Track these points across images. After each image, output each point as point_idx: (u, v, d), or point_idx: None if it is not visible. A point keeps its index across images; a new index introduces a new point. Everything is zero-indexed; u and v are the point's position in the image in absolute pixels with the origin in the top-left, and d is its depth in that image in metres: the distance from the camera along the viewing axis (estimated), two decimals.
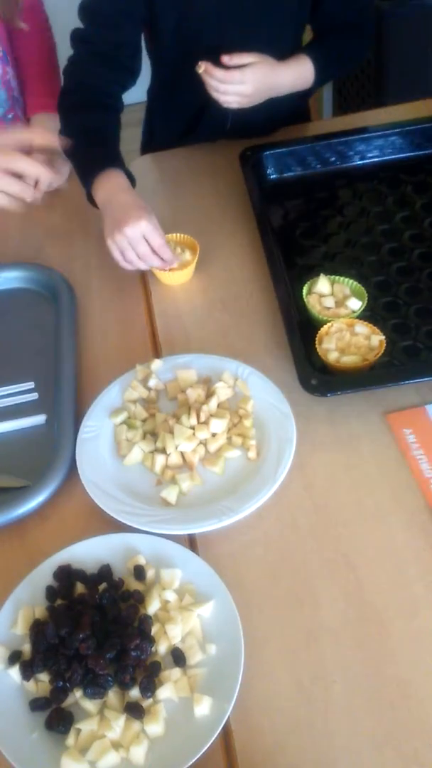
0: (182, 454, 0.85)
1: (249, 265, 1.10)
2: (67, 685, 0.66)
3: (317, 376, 0.86)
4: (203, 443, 0.86)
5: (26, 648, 0.70)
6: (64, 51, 1.17)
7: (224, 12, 1.13)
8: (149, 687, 0.65)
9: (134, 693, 0.66)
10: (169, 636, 0.69)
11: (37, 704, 0.66)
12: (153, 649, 0.68)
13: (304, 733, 0.64)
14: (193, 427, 0.86)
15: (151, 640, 0.69)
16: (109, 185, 1.04)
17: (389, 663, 0.67)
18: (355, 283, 0.98)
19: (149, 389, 0.93)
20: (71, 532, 0.80)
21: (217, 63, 1.06)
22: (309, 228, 1.15)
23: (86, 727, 0.64)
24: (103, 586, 0.73)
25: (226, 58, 1.06)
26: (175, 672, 0.67)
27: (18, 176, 0.94)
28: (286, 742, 0.63)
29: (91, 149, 1.09)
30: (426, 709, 0.64)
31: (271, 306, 1.01)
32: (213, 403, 0.88)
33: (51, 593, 0.73)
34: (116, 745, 0.63)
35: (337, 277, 0.99)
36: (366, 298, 0.96)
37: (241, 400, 0.89)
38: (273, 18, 1.16)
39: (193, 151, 1.34)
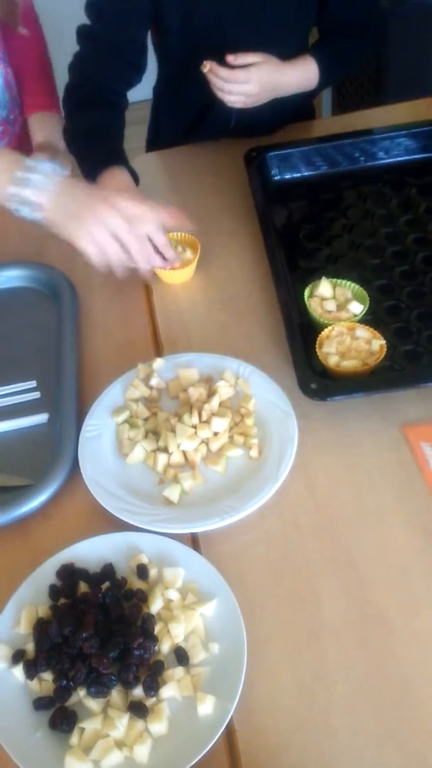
0: (184, 453, 0.85)
1: (250, 266, 1.10)
2: (71, 684, 0.66)
3: (317, 380, 0.86)
4: (205, 442, 0.86)
5: (30, 647, 0.70)
6: (69, 48, 1.16)
7: (230, 11, 1.13)
8: (152, 686, 0.66)
9: (138, 692, 0.66)
10: (172, 635, 0.69)
11: (40, 703, 0.66)
12: (156, 648, 0.69)
13: (307, 732, 0.64)
14: (194, 426, 0.86)
15: (155, 639, 0.69)
16: (112, 183, 1.04)
17: (391, 662, 0.67)
18: (357, 286, 0.98)
19: (151, 388, 0.93)
20: (74, 531, 0.80)
21: (223, 62, 1.06)
22: (312, 230, 1.14)
23: (90, 726, 0.64)
24: (106, 585, 0.73)
25: (230, 58, 1.06)
26: (179, 671, 0.67)
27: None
28: (289, 740, 0.64)
29: (94, 146, 1.09)
30: (428, 708, 0.64)
31: (272, 306, 1.01)
32: (215, 402, 0.88)
33: (54, 592, 0.73)
34: (120, 744, 0.63)
35: (339, 280, 0.99)
36: (368, 302, 0.96)
37: (243, 398, 0.90)
38: (279, 18, 1.16)
39: (197, 150, 1.34)
